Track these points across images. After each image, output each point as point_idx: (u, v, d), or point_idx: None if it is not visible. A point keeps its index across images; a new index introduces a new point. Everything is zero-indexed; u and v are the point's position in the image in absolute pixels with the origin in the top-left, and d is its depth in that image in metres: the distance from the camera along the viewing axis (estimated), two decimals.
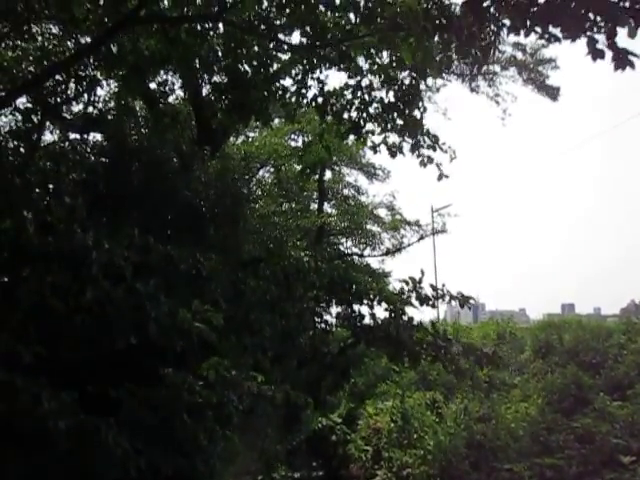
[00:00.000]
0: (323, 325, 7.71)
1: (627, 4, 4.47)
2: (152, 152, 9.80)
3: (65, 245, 5.25)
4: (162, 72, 10.54)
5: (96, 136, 10.67)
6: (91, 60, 9.38)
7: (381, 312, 7.69)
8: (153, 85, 10.84)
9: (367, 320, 7.47)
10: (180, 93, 12.20)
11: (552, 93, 13.45)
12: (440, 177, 7.50)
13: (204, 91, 11.72)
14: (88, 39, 9.32)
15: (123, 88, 9.35)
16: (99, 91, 10.96)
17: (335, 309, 8.21)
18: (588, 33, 4.51)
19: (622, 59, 4.45)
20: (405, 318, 7.25)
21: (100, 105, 11.22)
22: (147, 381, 5.72)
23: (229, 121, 8.78)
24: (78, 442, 4.95)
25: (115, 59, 8.08)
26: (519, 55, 13.44)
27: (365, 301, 7.40)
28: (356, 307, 7.68)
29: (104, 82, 10.52)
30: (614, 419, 13.41)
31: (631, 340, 16.54)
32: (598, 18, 4.32)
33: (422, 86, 7.79)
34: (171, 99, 11.90)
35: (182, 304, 5.19)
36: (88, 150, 9.95)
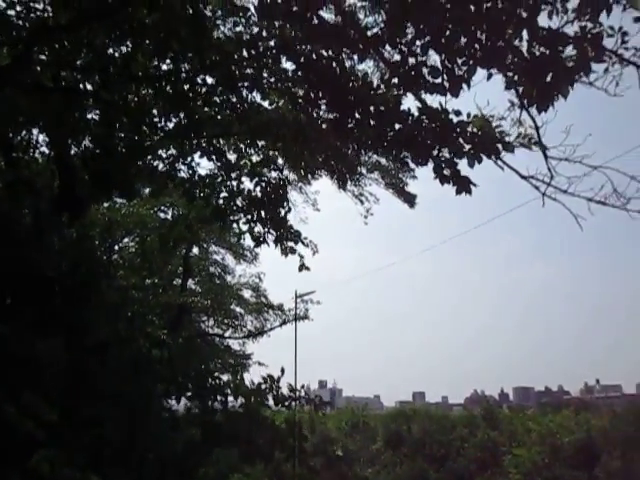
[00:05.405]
0: (171, 422, 7.25)
1: (466, 136, 5.24)
2: (3, 213, 9.06)
3: None
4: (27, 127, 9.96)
5: None
6: None
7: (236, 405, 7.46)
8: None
9: (219, 416, 7.17)
10: (45, 150, 11.56)
11: (410, 199, 14.64)
12: (301, 268, 7.67)
13: (72, 152, 11.21)
14: None
15: None
16: None
17: (186, 403, 7.83)
18: (435, 160, 5.21)
19: (463, 185, 5.24)
20: (259, 417, 7.06)
21: None
22: None
23: (92, 191, 8.45)
24: None
25: None
26: (383, 161, 14.53)
27: (219, 397, 7.13)
28: (209, 402, 7.35)
29: None
30: None
31: (472, 433, 17.59)
32: (443, 150, 5.03)
33: (292, 180, 8.11)
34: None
35: (10, 395, 4.65)
36: None
